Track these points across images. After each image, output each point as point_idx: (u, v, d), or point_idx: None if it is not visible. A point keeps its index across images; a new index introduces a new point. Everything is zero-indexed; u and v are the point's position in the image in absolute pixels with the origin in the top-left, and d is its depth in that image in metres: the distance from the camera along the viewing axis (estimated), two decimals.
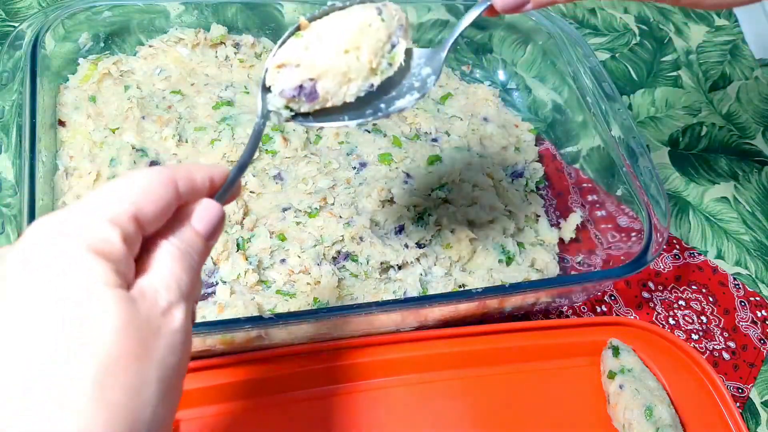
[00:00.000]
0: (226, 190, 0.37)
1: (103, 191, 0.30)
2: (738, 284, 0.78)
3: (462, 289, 0.66)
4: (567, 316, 0.72)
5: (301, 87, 0.41)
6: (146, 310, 0.28)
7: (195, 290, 0.32)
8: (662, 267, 0.78)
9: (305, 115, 0.43)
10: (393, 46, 0.43)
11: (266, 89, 0.42)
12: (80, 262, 0.27)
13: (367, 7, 0.42)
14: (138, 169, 0.33)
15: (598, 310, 0.73)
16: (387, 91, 0.44)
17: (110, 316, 0.26)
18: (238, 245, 0.63)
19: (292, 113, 0.43)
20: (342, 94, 0.42)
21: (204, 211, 0.34)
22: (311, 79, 0.41)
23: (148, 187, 0.31)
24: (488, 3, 0.45)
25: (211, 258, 0.61)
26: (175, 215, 0.33)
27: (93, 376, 0.25)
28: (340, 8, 0.43)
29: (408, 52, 0.45)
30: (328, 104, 0.42)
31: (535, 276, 0.68)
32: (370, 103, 0.43)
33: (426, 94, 0.44)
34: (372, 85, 0.43)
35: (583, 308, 0.73)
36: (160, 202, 0.31)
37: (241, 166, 0.38)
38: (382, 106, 0.44)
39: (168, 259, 0.31)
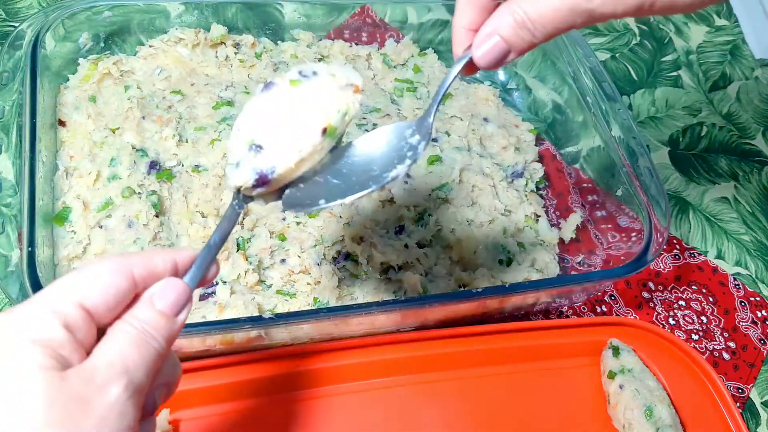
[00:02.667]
0: (197, 271, 0.37)
1: (53, 285, 0.32)
2: (738, 284, 0.78)
3: (462, 289, 0.66)
4: (567, 316, 0.72)
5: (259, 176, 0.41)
6: (78, 386, 0.30)
7: (154, 365, 0.33)
8: (662, 267, 0.78)
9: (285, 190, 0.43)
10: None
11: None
12: (18, 350, 0.30)
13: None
14: (93, 262, 0.35)
15: (598, 310, 0.73)
16: (374, 166, 0.44)
17: (36, 394, 0.29)
18: (238, 245, 0.63)
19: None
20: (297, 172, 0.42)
21: (163, 289, 0.35)
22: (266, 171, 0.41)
23: (95, 276, 0.33)
24: (466, 59, 0.42)
25: None
26: (140, 300, 0.34)
27: None
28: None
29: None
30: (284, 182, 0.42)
31: (535, 276, 0.68)
32: (357, 177, 0.43)
33: (417, 159, 0.44)
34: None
35: (583, 308, 0.73)
36: (110, 288, 0.33)
37: (210, 248, 0.38)
38: (371, 180, 0.43)
39: (118, 337, 0.32)
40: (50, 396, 0.29)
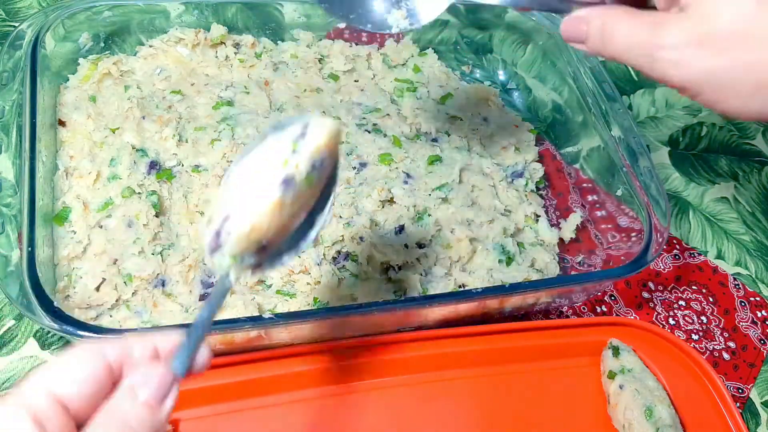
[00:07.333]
0: (183, 356, 0.34)
1: (27, 379, 0.31)
2: (738, 284, 0.78)
3: (462, 289, 0.66)
4: (567, 316, 0.72)
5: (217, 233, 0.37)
6: None
7: None
8: (662, 267, 0.78)
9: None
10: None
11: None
12: None
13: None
14: (69, 349, 0.32)
15: (598, 310, 0.73)
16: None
17: None
18: None
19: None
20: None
21: (144, 377, 0.32)
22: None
23: (66, 365, 0.31)
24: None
25: None
26: (119, 390, 0.32)
27: None
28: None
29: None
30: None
31: (535, 276, 0.68)
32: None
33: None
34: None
35: (583, 308, 0.73)
36: (83, 377, 0.31)
37: (196, 328, 0.34)
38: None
39: None
40: None
